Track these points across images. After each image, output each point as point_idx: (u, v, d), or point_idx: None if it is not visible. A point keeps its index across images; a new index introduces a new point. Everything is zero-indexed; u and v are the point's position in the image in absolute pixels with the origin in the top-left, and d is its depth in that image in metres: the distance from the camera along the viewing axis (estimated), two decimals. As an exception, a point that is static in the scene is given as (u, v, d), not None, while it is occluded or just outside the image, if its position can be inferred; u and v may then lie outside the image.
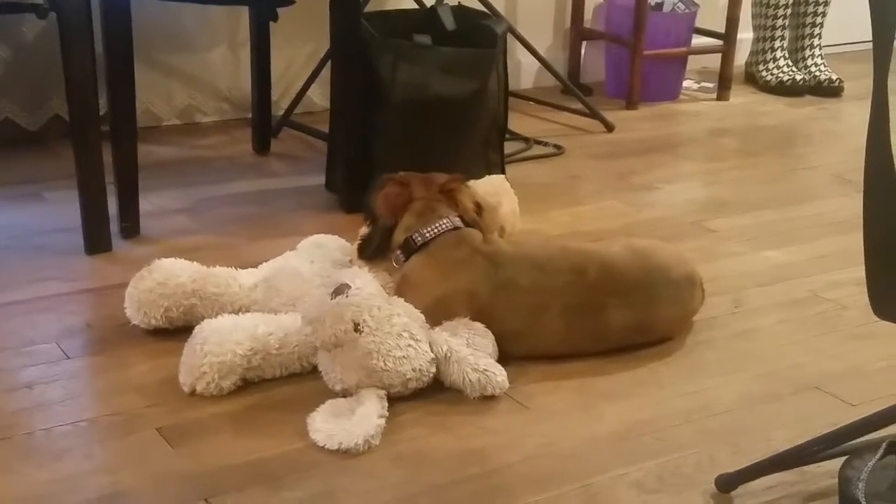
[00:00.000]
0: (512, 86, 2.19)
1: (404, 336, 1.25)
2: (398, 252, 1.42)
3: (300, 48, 2.47)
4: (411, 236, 1.40)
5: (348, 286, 1.25)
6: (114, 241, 1.70)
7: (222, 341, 1.26)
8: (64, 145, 1.80)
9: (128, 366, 1.34)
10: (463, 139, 1.92)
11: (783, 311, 1.58)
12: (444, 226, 1.40)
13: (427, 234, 1.40)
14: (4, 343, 1.38)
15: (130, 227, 1.75)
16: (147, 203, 1.82)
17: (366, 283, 1.27)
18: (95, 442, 1.18)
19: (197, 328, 1.30)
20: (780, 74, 2.90)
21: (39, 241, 1.73)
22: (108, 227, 1.69)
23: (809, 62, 2.94)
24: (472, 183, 1.61)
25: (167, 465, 1.13)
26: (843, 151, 2.41)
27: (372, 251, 1.45)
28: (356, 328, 1.23)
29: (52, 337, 1.40)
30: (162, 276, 1.39)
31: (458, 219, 1.42)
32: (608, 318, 1.38)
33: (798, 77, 2.88)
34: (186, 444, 1.17)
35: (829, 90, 2.88)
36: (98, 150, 1.65)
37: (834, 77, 2.90)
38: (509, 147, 2.18)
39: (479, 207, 1.47)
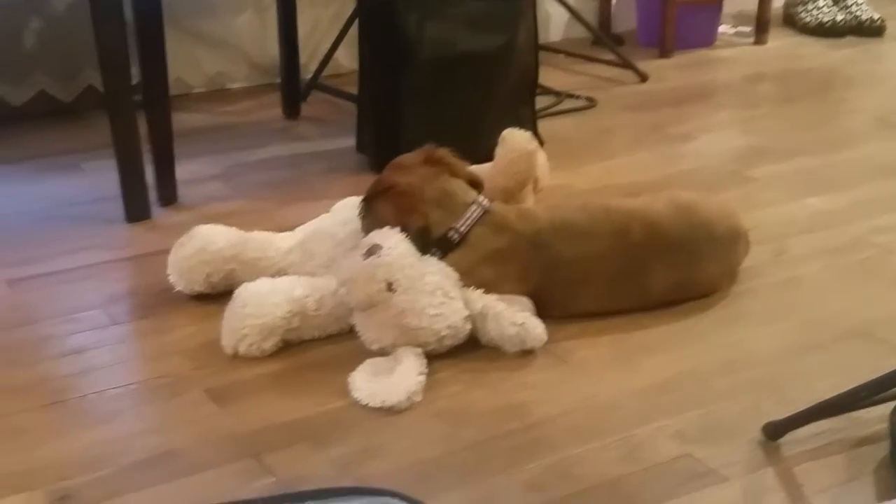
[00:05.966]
0: (541, 38, 2.15)
1: (437, 294, 1.25)
2: (434, 250, 1.32)
3: (325, 8, 2.45)
4: (447, 234, 1.32)
5: (380, 246, 1.26)
6: (152, 208, 1.72)
7: (261, 303, 1.28)
8: (99, 116, 1.81)
9: (172, 330, 1.37)
10: (493, 95, 1.89)
11: (826, 259, 1.55)
12: (475, 214, 1.33)
13: (462, 229, 1.32)
14: (52, 310, 1.41)
15: (168, 195, 1.77)
16: (181, 170, 1.83)
17: (397, 242, 1.27)
18: (145, 403, 1.21)
19: (236, 292, 1.32)
20: (820, 15, 2.82)
21: (80, 211, 1.76)
22: (146, 195, 1.71)
23: (850, 1, 2.85)
24: (507, 132, 1.56)
25: (215, 425, 1.16)
26: (886, 93, 2.34)
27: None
28: (389, 287, 1.23)
29: (97, 304, 1.43)
30: (200, 243, 1.41)
31: (483, 199, 1.34)
32: (651, 279, 1.36)
33: (839, 17, 2.80)
34: (232, 405, 1.20)
35: (870, 30, 2.79)
36: (133, 119, 1.66)
37: (875, 16, 2.80)
38: (540, 102, 2.15)
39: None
